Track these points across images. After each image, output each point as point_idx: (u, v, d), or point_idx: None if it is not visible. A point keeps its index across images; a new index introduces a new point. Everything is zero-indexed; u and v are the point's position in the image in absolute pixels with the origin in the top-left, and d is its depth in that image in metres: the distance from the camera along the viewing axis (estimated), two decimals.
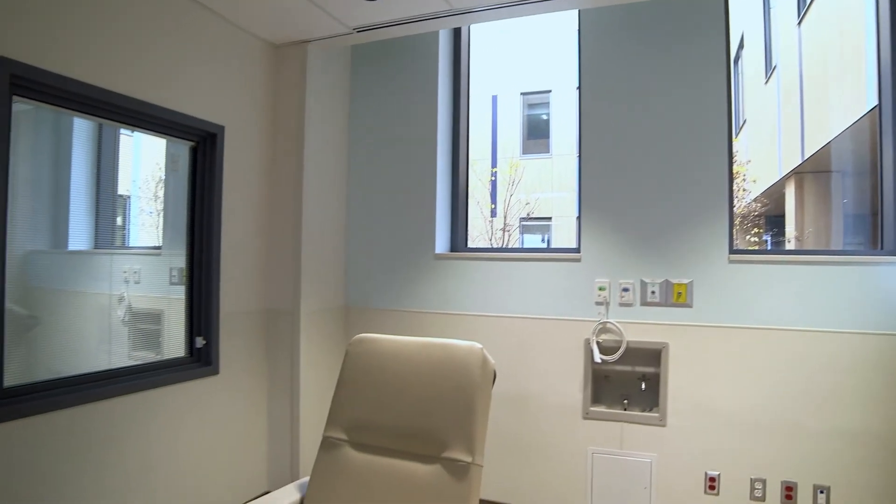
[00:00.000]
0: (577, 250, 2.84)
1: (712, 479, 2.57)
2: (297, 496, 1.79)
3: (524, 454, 2.88)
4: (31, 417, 1.95)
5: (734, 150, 2.70)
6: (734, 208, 2.69)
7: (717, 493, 2.56)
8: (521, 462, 2.89)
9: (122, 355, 3.00)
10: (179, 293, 2.72)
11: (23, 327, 2.70)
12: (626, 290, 2.72)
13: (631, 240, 2.73)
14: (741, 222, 8.42)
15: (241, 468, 2.83)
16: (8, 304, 1.90)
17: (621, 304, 2.73)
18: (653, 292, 2.68)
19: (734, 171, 2.70)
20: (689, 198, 2.64)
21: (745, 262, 2.57)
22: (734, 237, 2.65)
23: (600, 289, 2.75)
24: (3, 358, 1.89)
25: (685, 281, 2.64)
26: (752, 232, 8.76)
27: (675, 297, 2.64)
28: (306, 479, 1.87)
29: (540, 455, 2.85)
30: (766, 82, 8.36)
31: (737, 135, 9.04)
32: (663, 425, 2.65)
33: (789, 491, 2.45)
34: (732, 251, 2.60)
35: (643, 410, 2.71)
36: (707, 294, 2.61)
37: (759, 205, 8.63)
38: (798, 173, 6.99)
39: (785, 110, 7.40)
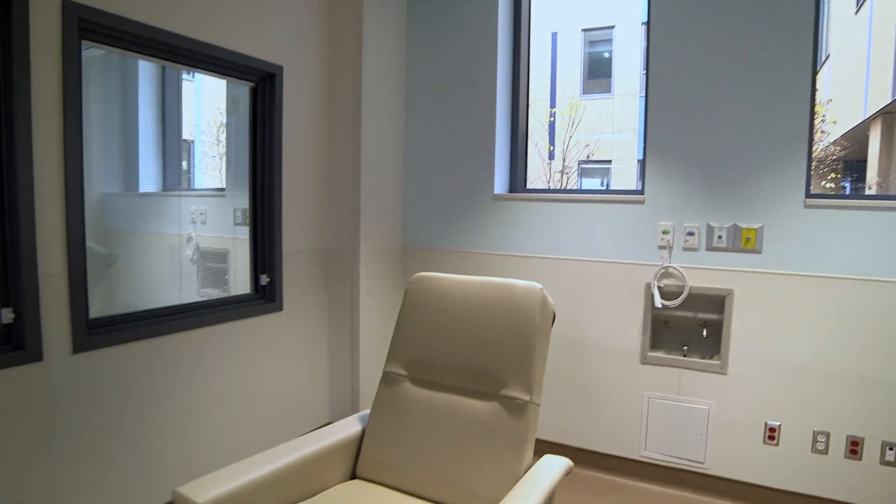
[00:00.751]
0: (641, 192, 2.74)
1: (772, 430, 2.51)
2: (358, 427, 1.86)
3: (579, 396, 2.90)
4: (113, 347, 2.09)
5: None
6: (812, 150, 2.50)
7: (777, 444, 2.51)
8: (576, 404, 2.91)
9: (191, 292, 3.16)
10: (243, 233, 2.81)
11: (102, 265, 2.87)
12: (690, 234, 2.62)
13: (698, 182, 2.60)
14: (817, 167, 7.92)
15: (304, 400, 2.98)
16: (89, 243, 2.01)
17: (685, 249, 2.64)
18: (719, 237, 2.57)
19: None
20: (763, 138, 2.47)
21: (823, 206, 2.41)
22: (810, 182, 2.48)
23: (664, 232, 2.66)
24: (87, 292, 2.01)
25: (755, 226, 2.51)
26: (829, 178, 8.23)
27: (744, 242, 2.53)
28: (366, 411, 1.94)
29: (595, 398, 2.86)
30: (857, 12, 7.63)
31: (818, 70, 8.36)
32: (724, 373, 2.59)
33: (854, 446, 2.37)
34: (809, 195, 2.44)
35: (703, 357, 2.65)
36: (778, 240, 2.48)
37: (838, 148, 8.06)
38: (887, 113, 6.45)
39: (876, 44, 6.76)
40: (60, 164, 1.89)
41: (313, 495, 1.67)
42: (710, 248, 2.59)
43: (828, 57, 8.69)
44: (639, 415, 2.76)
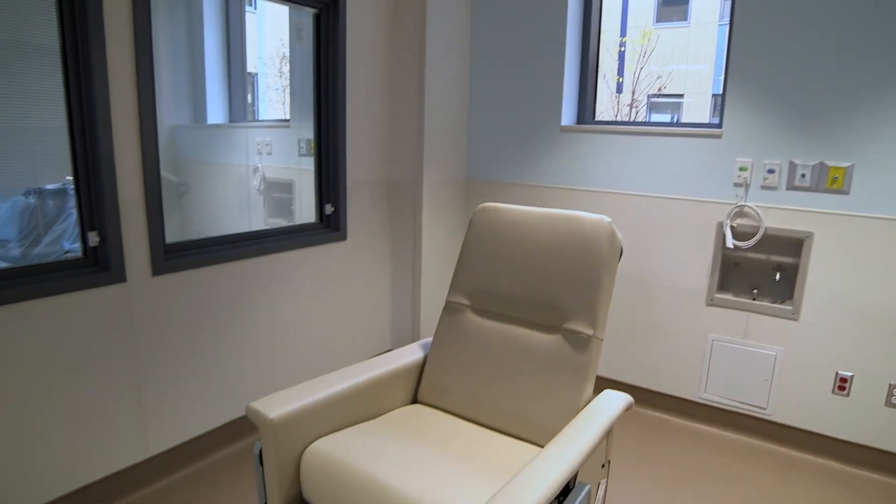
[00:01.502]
0: (719, 125, 2.57)
1: (843, 380, 2.41)
2: (420, 354, 1.91)
3: (641, 335, 2.86)
4: (188, 271, 2.19)
5: None
6: None
7: (847, 395, 2.41)
8: (636, 342, 2.88)
9: (259, 221, 3.27)
10: (308, 164, 2.84)
11: (175, 193, 2.99)
12: (770, 171, 2.45)
13: (783, 116, 2.41)
14: None
15: (367, 327, 3.08)
16: (163, 173, 2.08)
17: (763, 187, 2.48)
18: (802, 175, 2.40)
19: None
20: (865, 66, 2.24)
21: None
22: None
23: (741, 169, 2.51)
24: (163, 218, 2.10)
25: (844, 164, 2.32)
26: None
27: (830, 181, 2.35)
28: (428, 339, 1.98)
29: (657, 337, 2.82)
30: None
31: None
32: (795, 319, 2.48)
33: None
34: None
35: (774, 302, 2.54)
36: (870, 180, 2.29)
37: None
38: None
39: None
40: (134, 96, 1.94)
41: (376, 416, 1.74)
42: (790, 188, 2.43)
43: None
44: (701, 357, 2.71)
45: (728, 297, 2.63)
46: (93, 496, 2.03)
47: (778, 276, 2.53)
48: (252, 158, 3.25)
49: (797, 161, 2.40)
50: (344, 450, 1.48)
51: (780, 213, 2.46)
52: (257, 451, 1.51)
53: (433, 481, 1.35)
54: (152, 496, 2.13)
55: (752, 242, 2.49)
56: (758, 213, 2.49)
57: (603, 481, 1.70)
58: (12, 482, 1.81)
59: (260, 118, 3.72)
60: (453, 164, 3.18)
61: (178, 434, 2.26)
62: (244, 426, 2.52)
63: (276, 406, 1.47)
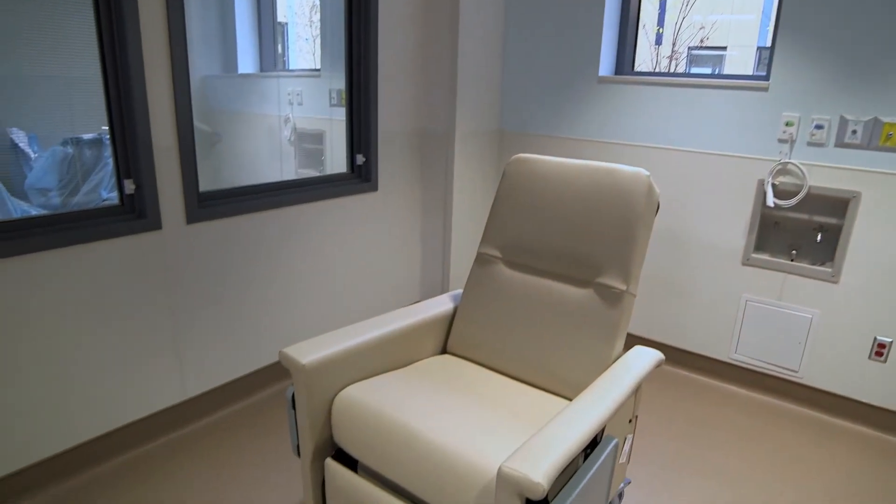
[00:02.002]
0: (766, 77, 2.45)
1: (881, 346, 2.35)
2: (450, 305, 1.91)
3: (672, 292, 2.82)
4: (221, 219, 2.22)
5: None
6: None
7: (885, 361, 2.35)
8: (668, 300, 2.84)
9: (290, 171, 3.28)
10: (339, 114, 2.81)
11: (208, 143, 3.01)
12: (819, 126, 2.34)
13: (836, 69, 2.28)
14: None
15: (397, 278, 3.10)
16: (195, 122, 2.09)
17: (810, 144, 2.38)
18: (853, 132, 2.28)
19: None
20: None
21: None
22: None
23: (787, 124, 2.40)
24: (197, 167, 2.11)
25: None
26: None
27: (884, 138, 2.23)
28: (458, 291, 1.98)
29: (689, 296, 2.78)
30: None
31: None
32: (835, 282, 2.41)
33: None
34: None
35: (813, 264, 2.47)
36: None
37: None
38: None
39: None
40: (166, 45, 1.94)
41: (405, 365, 1.77)
42: (839, 144, 2.32)
43: None
44: (733, 317, 2.66)
45: (765, 257, 2.56)
46: (133, 435, 2.12)
47: (819, 237, 2.45)
48: (283, 108, 3.23)
49: (849, 116, 2.28)
50: (374, 396, 1.50)
51: (826, 171, 2.36)
52: (290, 396, 1.55)
53: (461, 429, 1.37)
54: (190, 436, 2.22)
55: (794, 201, 2.41)
56: (802, 171, 2.39)
57: (629, 436, 1.71)
58: (56, 421, 1.90)
59: (290, 68, 3.69)
60: (486, 116, 3.11)
61: (215, 377, 2.33)
62: (277, 371, 2.59)
63: (309, 352, 1.50)
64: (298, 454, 1.59)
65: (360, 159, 2.77)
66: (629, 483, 2.04)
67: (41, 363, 1.82)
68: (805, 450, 2.28)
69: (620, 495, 1.94)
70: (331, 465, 1.55)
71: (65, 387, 1.89)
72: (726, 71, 9.51)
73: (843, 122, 2.29)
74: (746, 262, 2.59)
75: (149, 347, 2.09)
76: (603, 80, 2.84)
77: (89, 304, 1.90)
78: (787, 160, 2.42)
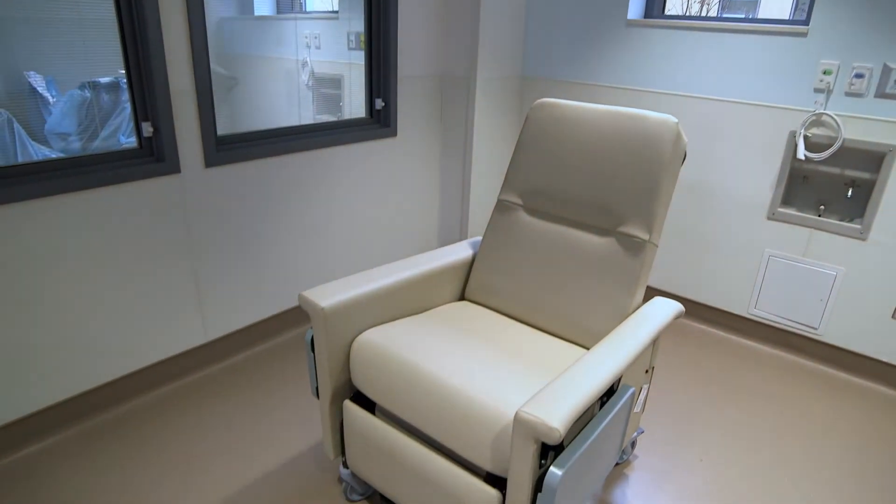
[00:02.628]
0: (805, 22, 2.32)
1: None
2: (469, 252, 1.90)
3: (694, 245, 2.78)
4: (240, 164, 2.21)
5: None
6: None
7: None
8: (689, 253, 2.81)
9: (308, 116, 3.23)
10: (358, 58, 2.75)
11: (225, 87, 2.96)
12: (859, 76, 2.23)
13: (883, 13, 2.14)
14: None
15: (416, 224, 3.09)
16: (212, 66, 2.05)
17: (848, 94, 2.27)
18: None
19: None
20: None
21: None
22: None
23: (825, 72, 2.29)
24: (214, 110, 2.09)
25: None
26: None
27: None
28: (477, 238, 1.97)
29: (711, 249, 2.73)
30: None
31: None
32: (863, 239, 2.35)
33: None
34: None
35: (842, 220, 2.40)
36: None
37: None
38: None
39: None
40: None
41: (424, 311, 1.77)
42: (880, 95, 2.21)
43: None
44: (755, 272, 2.63)
45: (791, 211, 2.49)
46: (155, 375, 2.18)
47: (850, 193, 2.37)
48: (300, 52, 3.16)
49: (892, 65, 2.17)
50: (392, 340, 1.51)
51: (863, 123, 2.26)
52: (309, 339, 1.56)
53: (478, 374, 1.38)
54: (210, 378, 2.28)
55: (826, 155, 2.32)
56: (837, 123, 2.29)
57: (645, 386, 1.72)
58: (81, 361, 1.95)
59: (308, 10, 3.59)
60: (509, 60, 3.02)
61: (235, 321, 2.37)
62: (297, 315, 2.63)
63: (328, 295, 1.51)
64: (318, 396, 1.62)
65: (378, 104, 2.72)
66: (643, 433, 2.06)
67: (64, 304, 1.86)
68: (820, 406, 2.28)
69: (633, 444, 1.96)
70: (349, 406, 1.58)
71: (88, 328, 1.94)
72: (760, 16, 9.06)
73: (887, 71, 2.18)
74: (772, 216, 2.53)
75: (169, 290, 2.12)
76: (632, 24, 2.72)
77: (111, 245, 1.92)
78: (821, 111, 2.32)
